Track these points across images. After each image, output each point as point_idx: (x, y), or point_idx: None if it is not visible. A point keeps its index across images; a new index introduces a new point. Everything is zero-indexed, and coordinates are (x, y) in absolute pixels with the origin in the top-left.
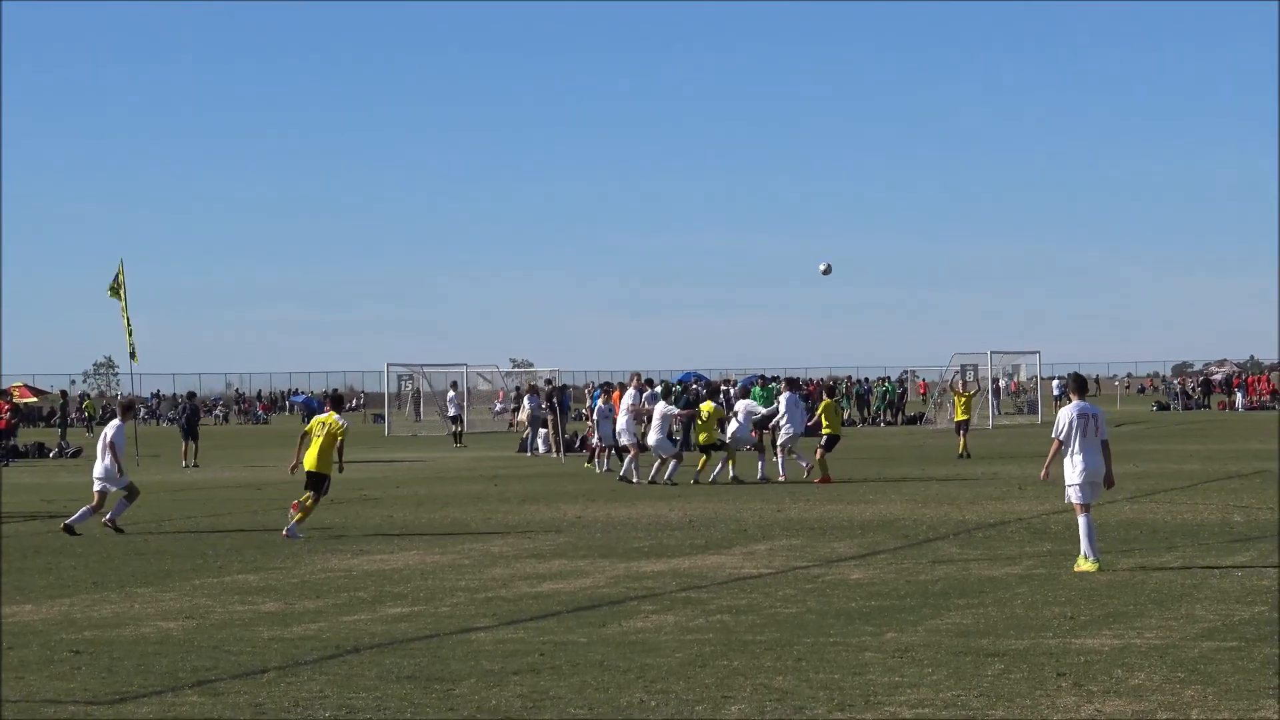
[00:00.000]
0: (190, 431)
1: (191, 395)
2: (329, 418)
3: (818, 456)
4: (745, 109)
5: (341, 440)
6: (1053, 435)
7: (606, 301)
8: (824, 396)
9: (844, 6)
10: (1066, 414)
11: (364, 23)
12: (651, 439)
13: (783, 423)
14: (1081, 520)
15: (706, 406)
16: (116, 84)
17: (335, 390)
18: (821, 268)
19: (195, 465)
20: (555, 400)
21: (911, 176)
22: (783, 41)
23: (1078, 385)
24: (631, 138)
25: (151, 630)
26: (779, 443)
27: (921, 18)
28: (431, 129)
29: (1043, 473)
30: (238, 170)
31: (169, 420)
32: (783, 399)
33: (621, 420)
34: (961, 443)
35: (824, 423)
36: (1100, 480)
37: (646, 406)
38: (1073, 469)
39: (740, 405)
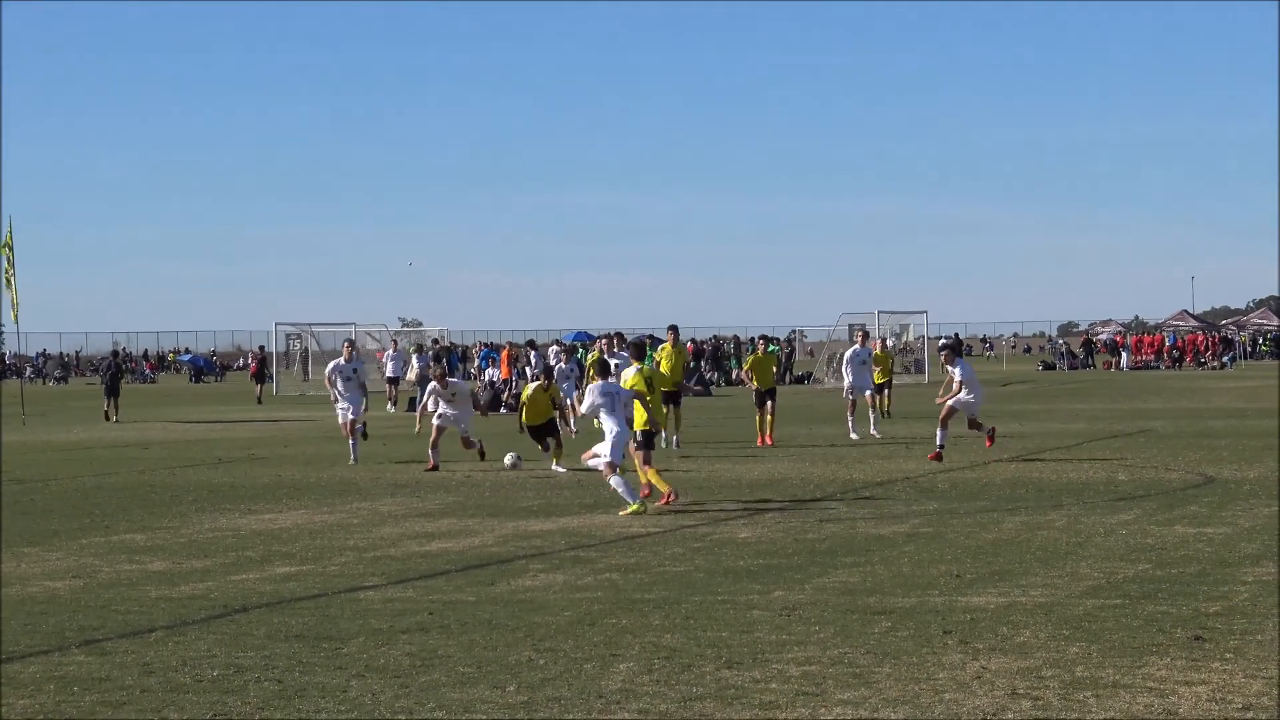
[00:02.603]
0: (113, 388)
1: (115, 353)
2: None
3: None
4: (632, 62)
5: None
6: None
7: (492, 261)
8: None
9: None
10: None
11: None
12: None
13: None
14: None
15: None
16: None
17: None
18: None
19: (117, 420)
20: (444, 361)
21: (801, 133)
22: None
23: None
24: (520, 94)
25: (38, 589)
26: None
27: None
28: (325, 81)
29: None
30: (124, 123)
31: (56, 379)
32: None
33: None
34: (884, 401)
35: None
36: None
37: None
38: None
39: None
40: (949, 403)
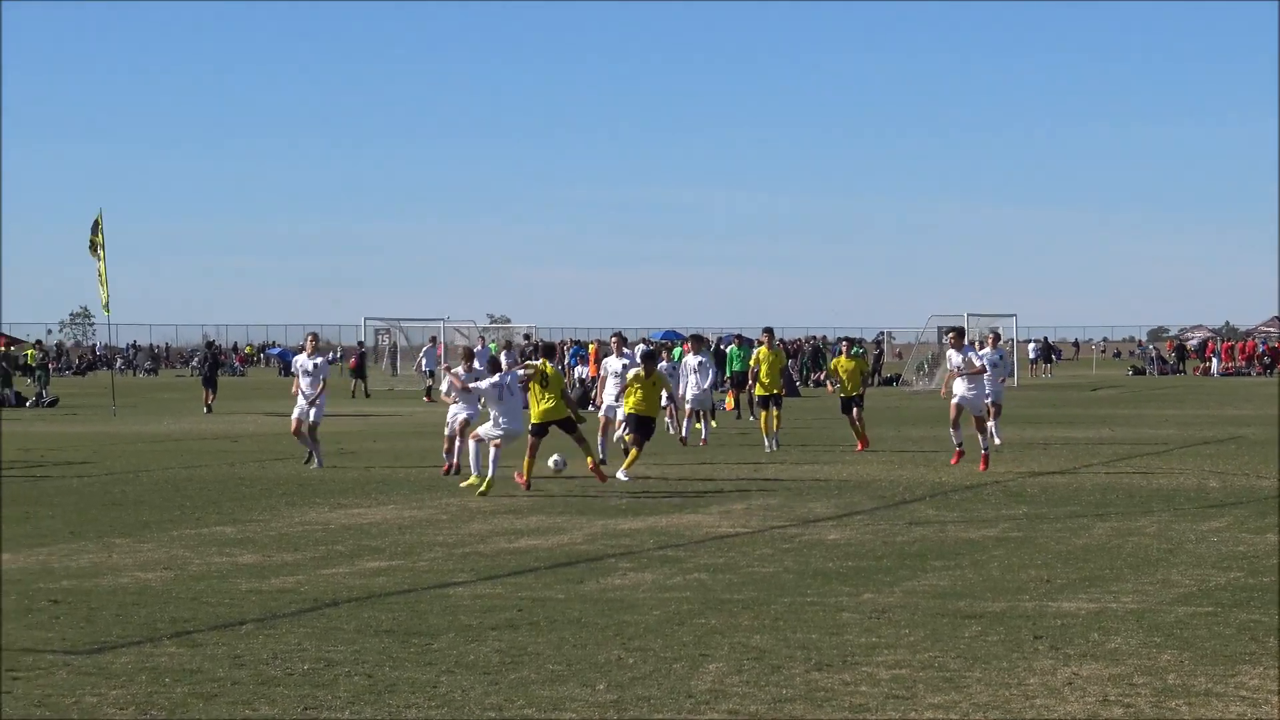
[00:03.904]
0: (210, 380)
1: (211, 344)
2: (547, 366)
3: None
4: (722, 59)
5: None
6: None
7: (585, 258)
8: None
9: None
10: None
11: None
12: (690, 394)
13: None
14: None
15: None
16: (99, 31)
17: (547, 341)
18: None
19: (208, 411)
20: (534, 355)
21: (893, 137)
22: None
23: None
24: (613, 93)
25: (130, 580)
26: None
27: None
28: (416, 84)
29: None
30: (217, 119)
31: (146, 371)
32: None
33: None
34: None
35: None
36: None
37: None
38: None
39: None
40: (954, 402)
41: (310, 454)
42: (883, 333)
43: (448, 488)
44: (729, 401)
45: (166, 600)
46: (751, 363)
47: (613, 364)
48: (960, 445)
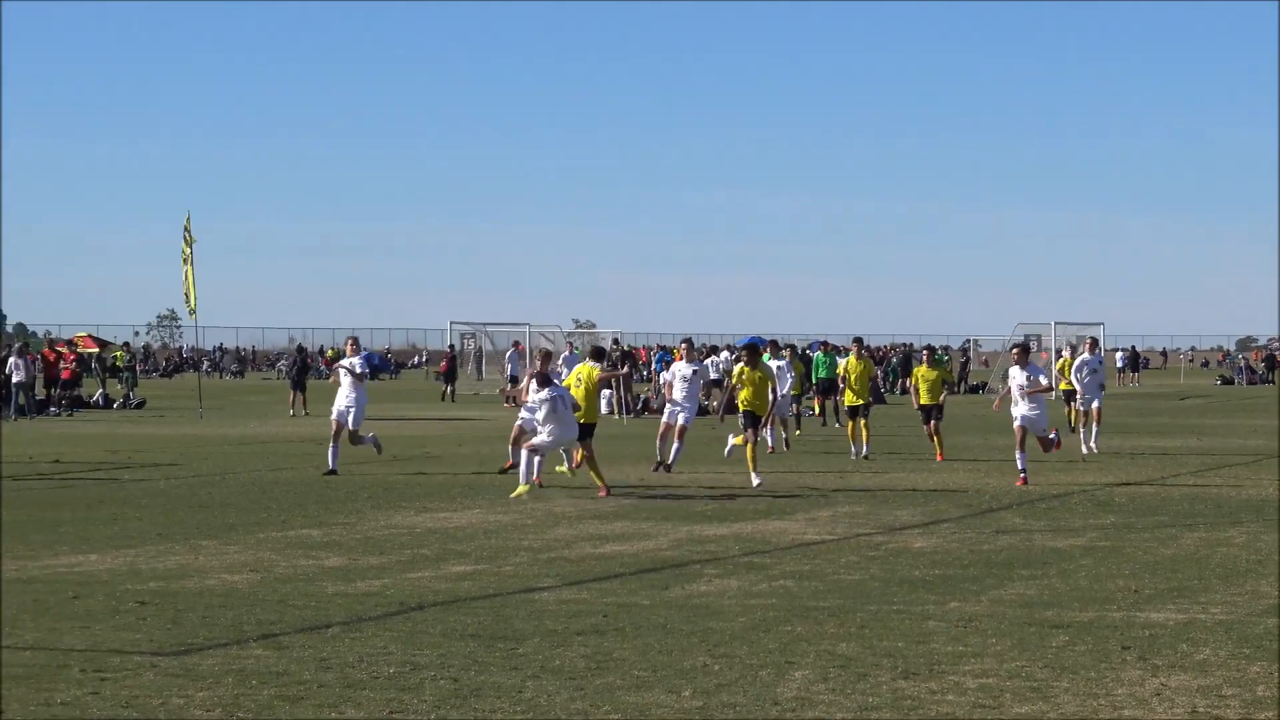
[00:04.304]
0: (299, 383)
1: (301, 349)
2: (587, 367)
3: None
4: (811, 65)
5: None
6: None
7: (670, 262)
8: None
9: None
10: None
11: None
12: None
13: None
14: None
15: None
16: (186, 35)
17: (597, 345)
18: None
19: (305, 413)
20: (624, 363)
21: (983, 144)
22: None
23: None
24: (703, 97)
25: (216, 583)
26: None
27: None
28: (507, 87)
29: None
30: (302, 123)
31: (232, 373)
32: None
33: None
34: (1071, 412)
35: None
36: None
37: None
38: None
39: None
40: (1017, 424)
41: (333, 466)
42: (969, 340)
43: (532, 492)
44: (815, 408)
45: (253, 602)
46: (840, 371)
47: (680, 369)
48: (1025, 470)
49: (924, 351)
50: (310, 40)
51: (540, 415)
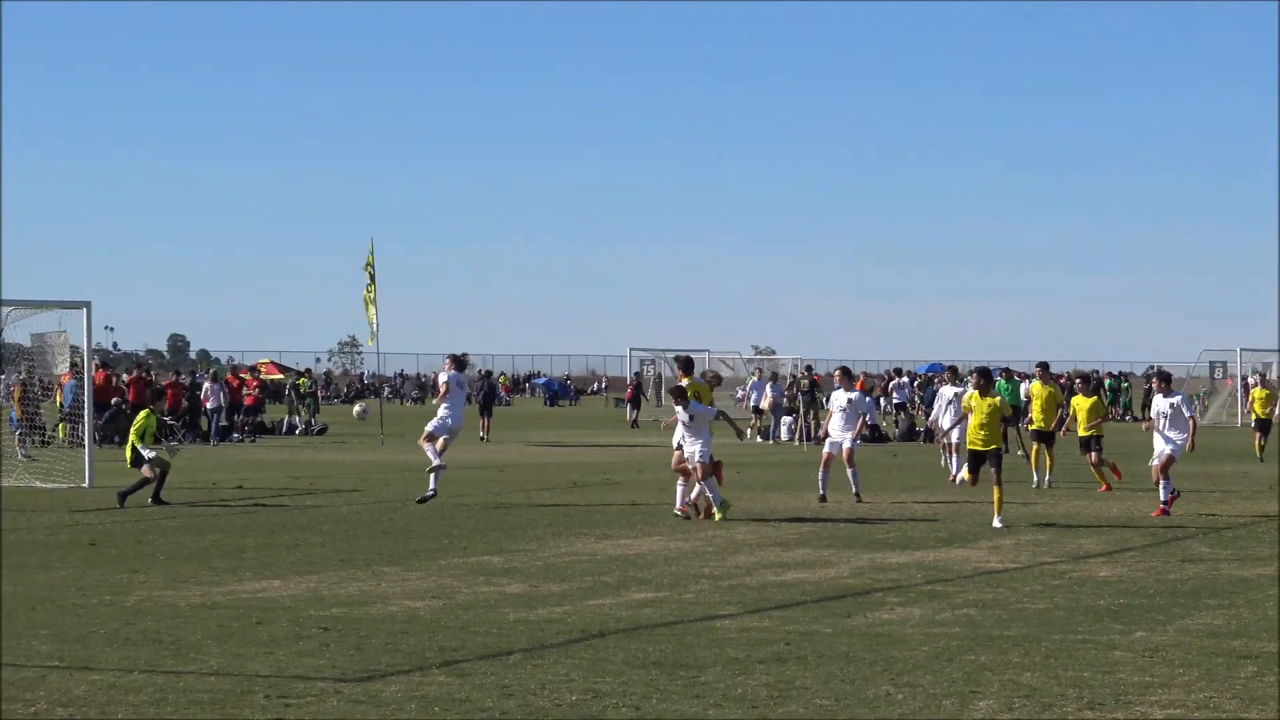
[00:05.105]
0: (486, 408)
1: (489, 374)
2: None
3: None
4: (998, 89)
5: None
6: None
7: (851, 287)
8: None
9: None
10: None
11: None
12: (946, 426)
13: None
14: None
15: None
16: (378, 63)
17: (713, 371)
18: None
19: (486, 439)
20: (811, 390)
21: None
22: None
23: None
24: (876, 121)
25: (398, 609)
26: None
27: None
28: (685, 110)
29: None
30: (482, 148)
31: (413, 399)
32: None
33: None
34: (1258, 443)
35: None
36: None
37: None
38: None
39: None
40: (1166, 451)
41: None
42: (1153, 367)
43: (712, 519)
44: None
45: (435, 629)
46: (1024, 397)
47: (838, 399)
48: (1166, 501)
49: (1077, 381)
50: (494, 63)
51: (683, 433)
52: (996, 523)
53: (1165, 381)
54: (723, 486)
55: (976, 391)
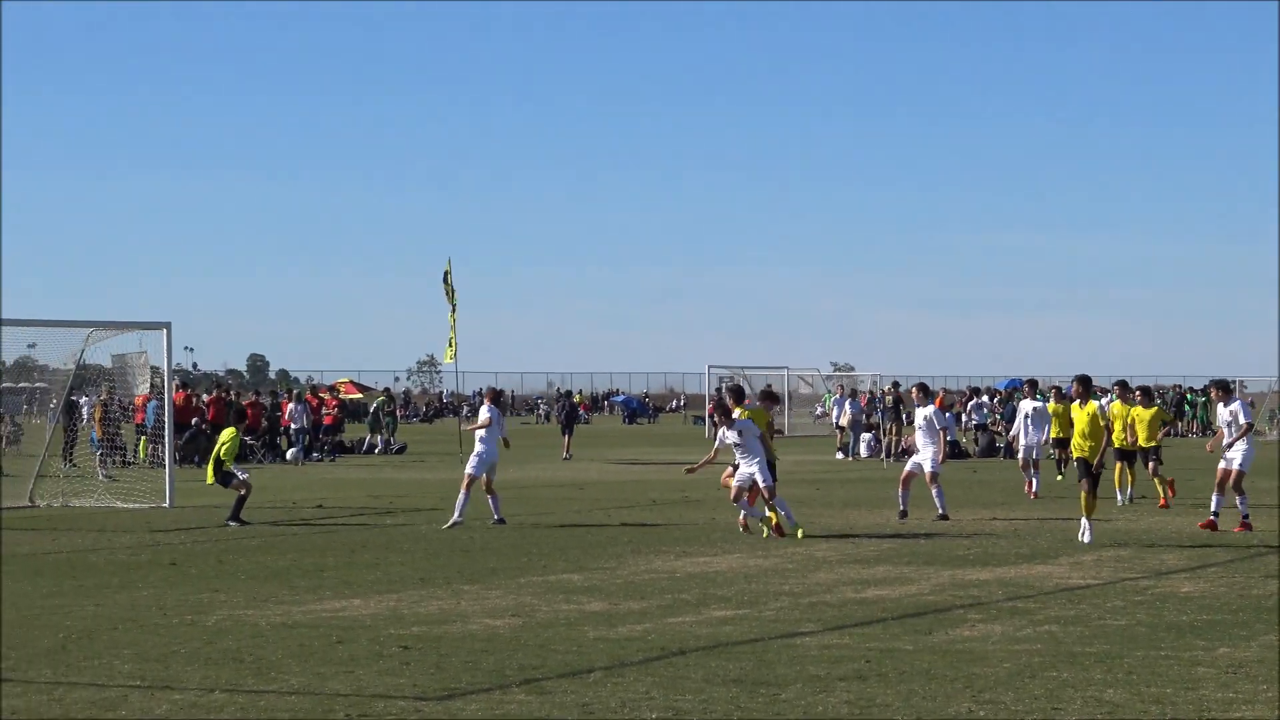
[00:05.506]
0: (568, 427)
1: (568, 394)
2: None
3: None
4: (1070, 103)
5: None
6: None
7: (928, 303)
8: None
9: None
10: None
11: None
12: (1023, 442)
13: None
14: None
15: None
16: (443, 91)
17: (767, 390)
18: None
19: (569, 457)
20: (895, 405)
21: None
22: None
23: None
24: (954, 133)
25: (478, 627)
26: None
27: None
28: (757, 129)
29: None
30: (557, 169)
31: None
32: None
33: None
34: None
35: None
36: None
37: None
38: None
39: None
40: (1234, 467)
41: (458, 518)
42: (1234, 381)
43: (793, 537)
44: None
45: (515, 647)
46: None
47: (917, 416)
48: (1216, 514)
49: (1137, 392)
50: (574, 87)
51: (737, 455)
52: (1086, 536)
53: (1224, 390)
54: (797, 506)
55: (1076, 402)
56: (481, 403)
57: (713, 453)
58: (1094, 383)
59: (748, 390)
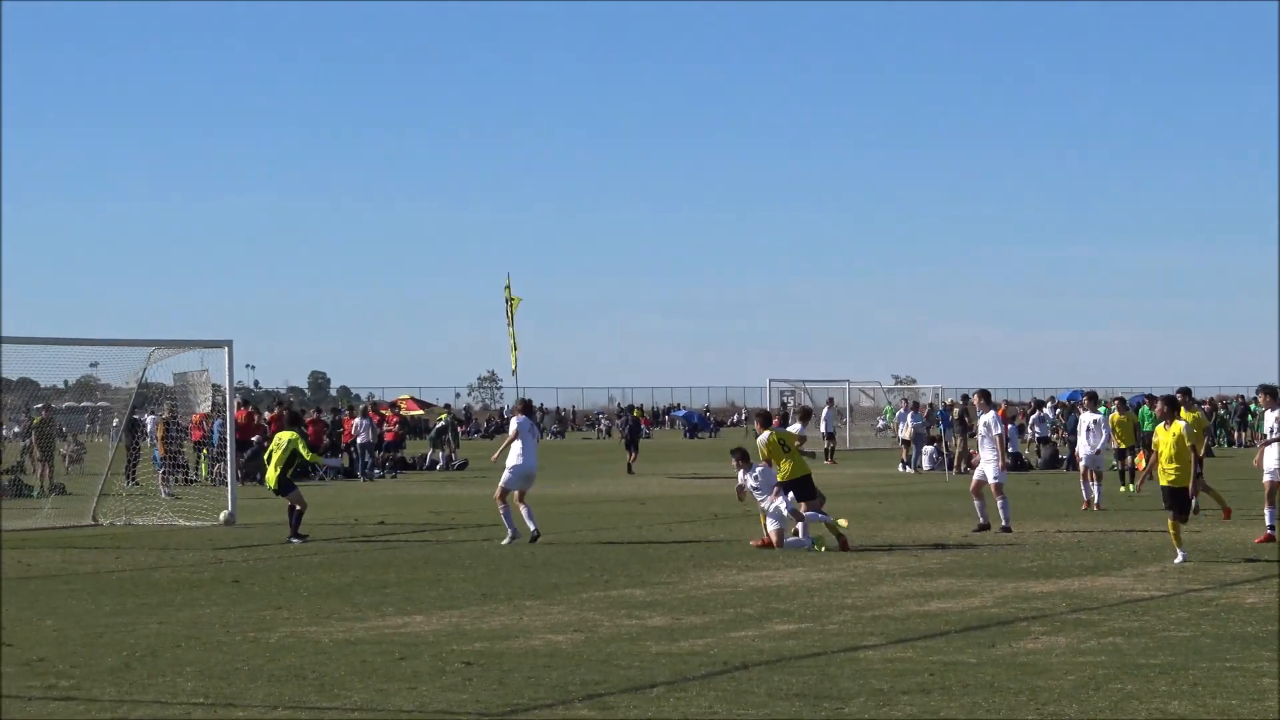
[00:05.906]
0: (632, 442)
1: (630, 409)
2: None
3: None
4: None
5: None
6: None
7: (989, 316)
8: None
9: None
10: None
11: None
12: (1084, 454)
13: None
14: None
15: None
16: (505, 106)
17: (804, 406)
18: None
19: (632, 472)
20: (962, 418)
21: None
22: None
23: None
24: (1012, 148)
25: (541, 643)
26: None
27: None
28: (813, 143)
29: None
30: (615, 185)
31: (553, 433)
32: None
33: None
34: None
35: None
36: None
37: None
38: None
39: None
40: (1266, 477)
41: (512, 531)
42: None
43: (855, 550)
44: (1140, 462)
45: (577, 663)
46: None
47: (979, 424)
48: (1273, 526)
49: (1161, 404)
50: (635, 103)
51: (756, 497)
52: (1179, 558)
53: (1271, 396)
54: (858, 519)
55: (1161, 424)
56: (511, 416)
57: (740, 494)
58: (1155, 397)
59: (809, 403)
